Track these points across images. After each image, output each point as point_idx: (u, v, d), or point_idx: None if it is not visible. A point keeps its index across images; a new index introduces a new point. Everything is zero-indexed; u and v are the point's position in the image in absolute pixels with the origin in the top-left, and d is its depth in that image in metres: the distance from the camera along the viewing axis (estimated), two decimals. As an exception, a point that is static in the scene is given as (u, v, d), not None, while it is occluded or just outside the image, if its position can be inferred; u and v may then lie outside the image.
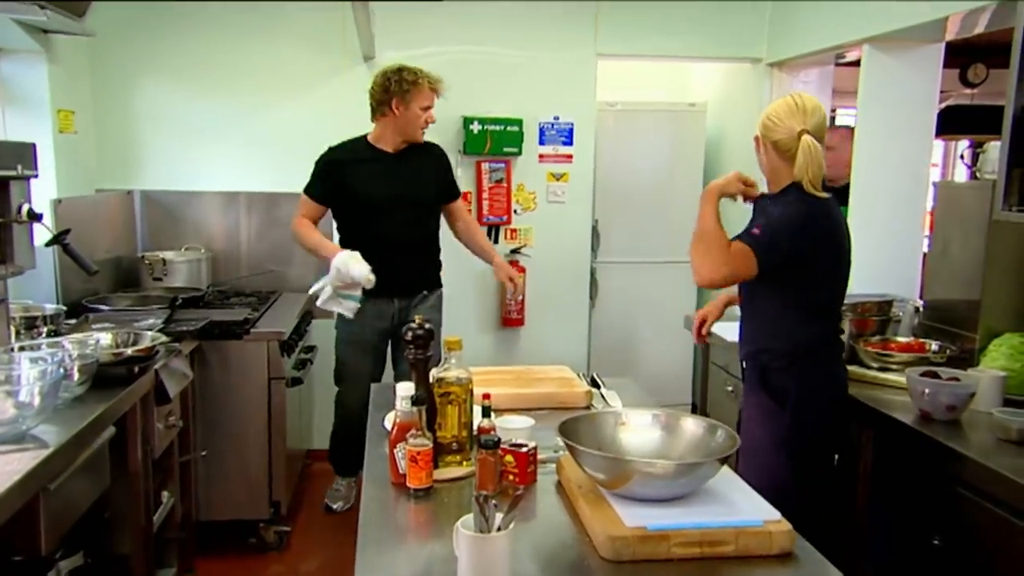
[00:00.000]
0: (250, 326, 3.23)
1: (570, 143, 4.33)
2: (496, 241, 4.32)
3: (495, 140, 4.18)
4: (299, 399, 3.68)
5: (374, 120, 3.30)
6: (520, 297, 4.25)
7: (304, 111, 4.10)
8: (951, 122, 6.63)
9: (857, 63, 4.68)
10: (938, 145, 8.03)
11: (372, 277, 3.04)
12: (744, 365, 2.29)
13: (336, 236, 3.43)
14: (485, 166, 4.24)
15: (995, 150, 2.41)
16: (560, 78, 4.28)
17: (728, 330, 3.20)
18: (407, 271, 3.36)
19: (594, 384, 2.39)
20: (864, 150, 3.50)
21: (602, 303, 4.71)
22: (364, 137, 3.33)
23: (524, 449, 1.66)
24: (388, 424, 1.93)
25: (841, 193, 3.92)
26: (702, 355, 3.53)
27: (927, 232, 3.58)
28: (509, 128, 4.18)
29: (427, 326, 1.79)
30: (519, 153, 4.23)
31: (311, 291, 3.20)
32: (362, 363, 3.39)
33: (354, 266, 3.03)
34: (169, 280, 3.70)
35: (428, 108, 3.26)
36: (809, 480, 2.07)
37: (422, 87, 3.21)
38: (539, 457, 1.74)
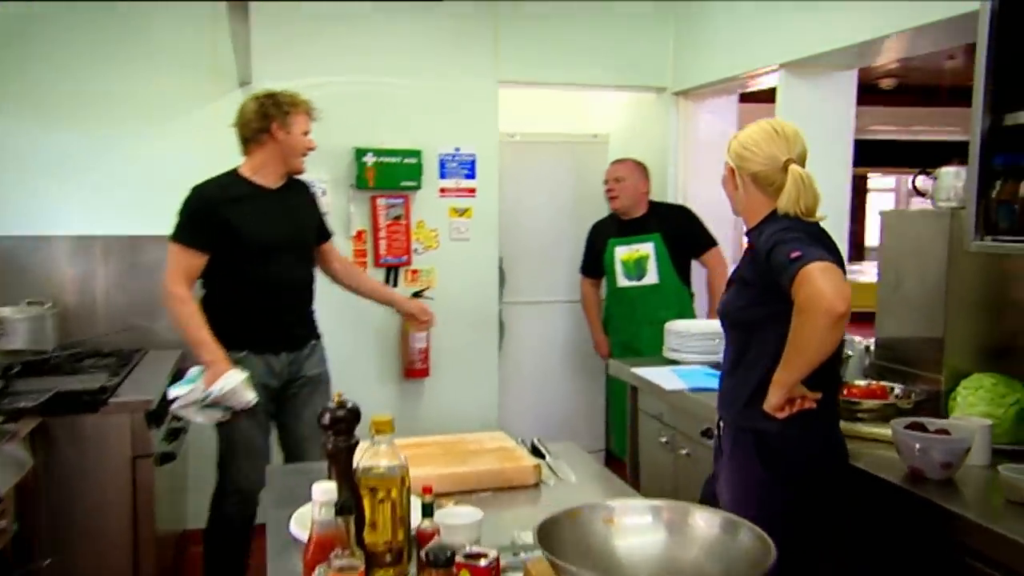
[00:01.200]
0: (109, 395, 2.69)
1: (473, 176, 4.01)
2: (396, 284, 3.92)
3: (392, 173, 3.80)
4: (171, 476, 3.14)
5: (248, 152, 2.85)
6: (423, 345, 3.88)
7: (171, 143, 3.59)
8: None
9: (759, 97, 4.63)
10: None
11: (254, 402, 2.73)
12: (722, 429, 1.98)
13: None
14: (381, 202, 3.85)
15: (950, 176, 2.26)
16: (460, 106, 3.97)
17: (660, 376, 2.95)
18: (295, 320, 2.95)
19: (536, 452, 2.04)
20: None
21: (509, 346, 4.38)
22: (235, 172, 2.86)
23: (484, 562, 1.29)
24: (296, 530, 1.51)
25: (635, 224, 3.84)
26: (630, 402, 3.25)
27: (851, 265, 3.47)
28: (407, 160, 3.82)
29: (350, 404, 1.39)
30: (418, 187, 3.87)
31: (171, 394, 2.72)
32: (255, 433, 2.88)
33: (245, 393, 2.69)
34: (6, 342, 3.08)
35: (307, 133, 2.87)
36: (806, 563, 1.79)
37: (300, 110, 2.83)
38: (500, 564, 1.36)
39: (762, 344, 1.83)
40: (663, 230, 3.82)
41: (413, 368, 3.91)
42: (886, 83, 8.51)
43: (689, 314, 3.84)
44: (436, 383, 4.00)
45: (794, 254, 1.66)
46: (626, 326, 3.95)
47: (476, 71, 3.97)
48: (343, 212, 3.83)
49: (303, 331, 2.98)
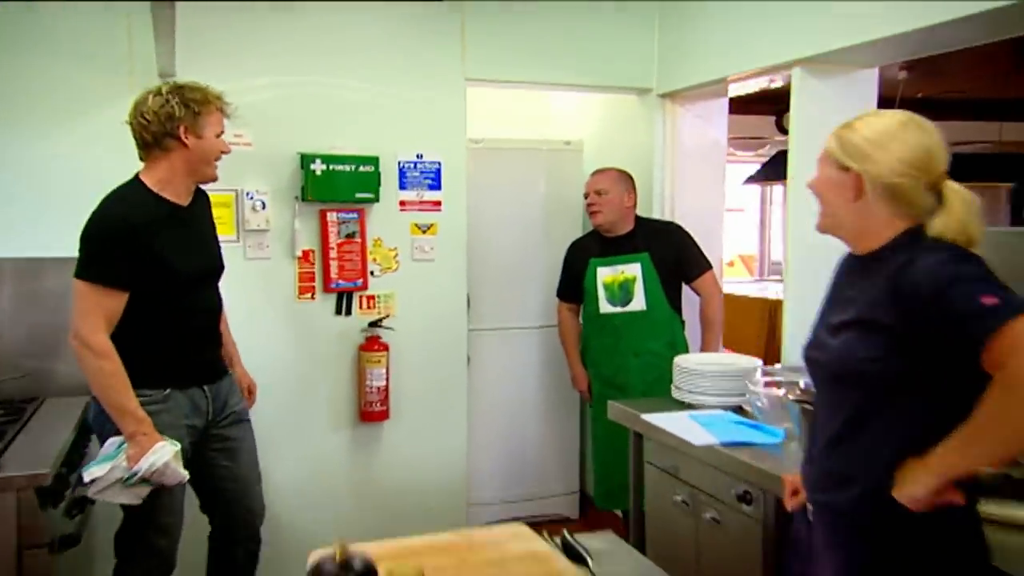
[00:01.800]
0: (-12, 467, 2.08)
1: (437, 187, 3.49)
2: (349, 312, 3.37)
3: (344, 184, 3.25)
4: (74, 560, 2.51)
5: (150, 159, 2.31)
6: (382, 383, 3.33)
7: (75, 147, 2.98)
8: (778, 167, 6.54)
9: (739, 107, 4.27)
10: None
11: (186, 479, 2.29)
12: (818, 510, 1.50)
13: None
14: (332, 216, 3.30)
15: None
16: (423, 108, 3.44)
17: (679, 425, 2.48)
18: (215, 349, 2.53)
19: (570, 552, 1.54)
20: (801, 186, 2.95)
21: (475, 379, 3.85)
22: (141, 186, 2.30)
23: None
24: None
25: (620, 243, 3.38)
26: (633, 451, 2.77)
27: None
28: (362, 168, 3.28)
29: (358, 564, 0.87)
30: (375, 200, 3.33)
31: (87, 476, 2.20)
32: (177, 486, 2.35)
33: (177, 469, 2.23)
34: None
35: (221, 134, 2.36)
36: None
37: (213, 107, 2.33)
38: None
39: (897, 409, 1.37)
40: (651, 250, 3.37)
41: (371, 410, 3.35)
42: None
43: (681, 346, 3.40)
44: (397, 426, 3.45)
45: (987, 300, 1.22)
46: (609, 358, 3.48)
47: (441, 69, 3.45)
48: (287, 228, 3.26)
49: (220, 361, 2.56)
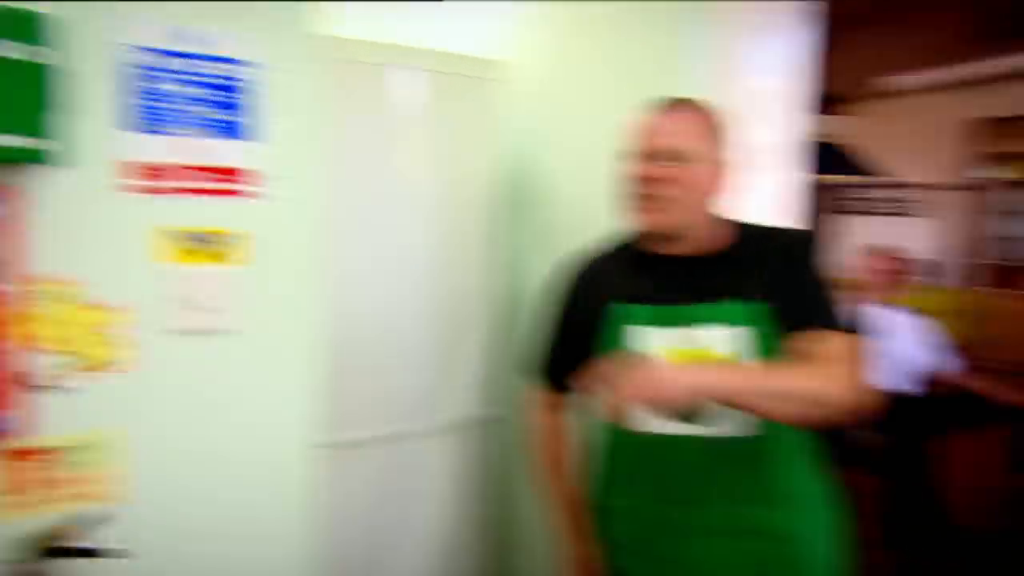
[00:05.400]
0: None
1: (232, 128, 1.28)
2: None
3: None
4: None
5: None
6: None
7: None
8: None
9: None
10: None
11: None
12: None
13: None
14: None
15: None
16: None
17: None
18: None
19: None
20: None
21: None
22: None
23: None
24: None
25: (694, 271, 1.44)
26: None
27: None
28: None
29: None
30: (41, 159, 1.07)
31: None
32: None
33: None
34: None
35: None
36: None
37: None
38: None
39: None
40: (771, 295, 1.43)
41: None
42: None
43: (821, 515, 1.50)
44: None
45: None
46: (656, 532, 1.46)
47: None
48: None
49: None
